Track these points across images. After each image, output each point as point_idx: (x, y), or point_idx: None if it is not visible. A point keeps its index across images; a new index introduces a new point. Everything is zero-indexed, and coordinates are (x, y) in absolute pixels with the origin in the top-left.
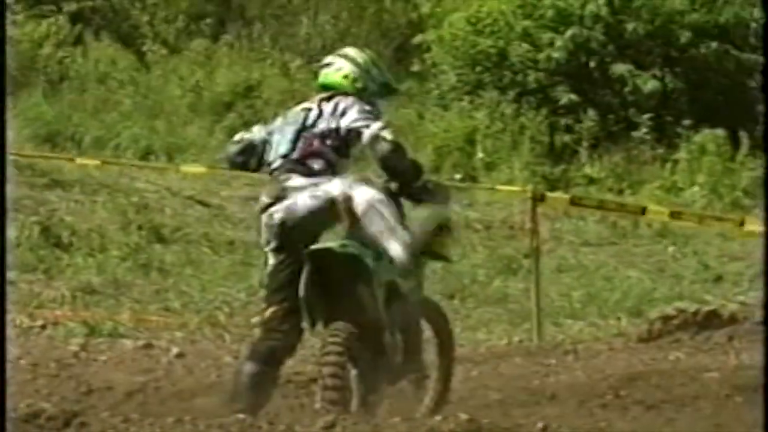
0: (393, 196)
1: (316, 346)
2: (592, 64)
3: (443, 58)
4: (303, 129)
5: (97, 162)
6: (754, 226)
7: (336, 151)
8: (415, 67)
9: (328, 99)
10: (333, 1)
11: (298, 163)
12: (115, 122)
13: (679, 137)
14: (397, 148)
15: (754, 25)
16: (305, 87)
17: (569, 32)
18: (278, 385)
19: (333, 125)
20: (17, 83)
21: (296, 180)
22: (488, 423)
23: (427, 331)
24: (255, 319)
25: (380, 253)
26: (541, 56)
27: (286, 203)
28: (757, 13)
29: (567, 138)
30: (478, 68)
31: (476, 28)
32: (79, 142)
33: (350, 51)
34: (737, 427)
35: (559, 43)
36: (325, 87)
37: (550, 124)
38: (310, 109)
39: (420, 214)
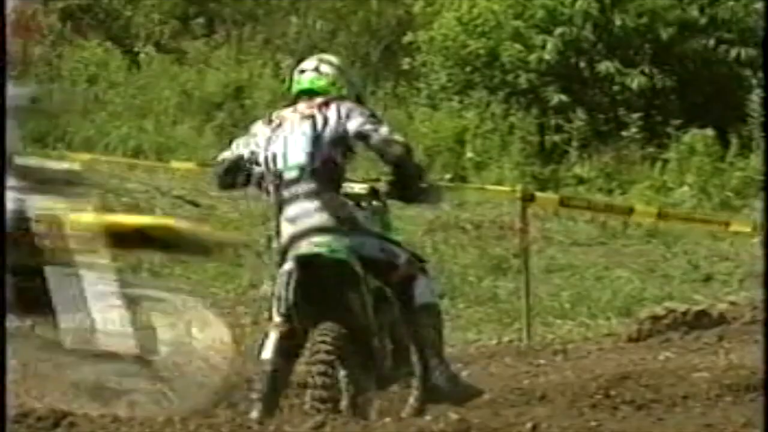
0: (381, 198)
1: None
2: (581, 64)
3: (433, 58)
4: (315, 138)
5: (86, 157)
6: (740, 227)
7: (343, 155)
8: (405, 67)
9: (326, 104)
10: (322, 1)
11: (317, 173)
12: (104, 122)
13: (669, 137)
14: (409, 150)
15: (747, 18)
16: None
17: (558, 30)
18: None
19: (340, 130)
20: None
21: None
22: (478, 423)
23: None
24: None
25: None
26: (532, 57)
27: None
28: (752, 7)
29: (557, 138)
30: (468, 68)
31: (467, 29)
32: (69, 142)
33: (330, 57)
34: (727, 427)
35: (549, 44)
36: (308, 92)
37: (539, 124)
38: (312, 116)
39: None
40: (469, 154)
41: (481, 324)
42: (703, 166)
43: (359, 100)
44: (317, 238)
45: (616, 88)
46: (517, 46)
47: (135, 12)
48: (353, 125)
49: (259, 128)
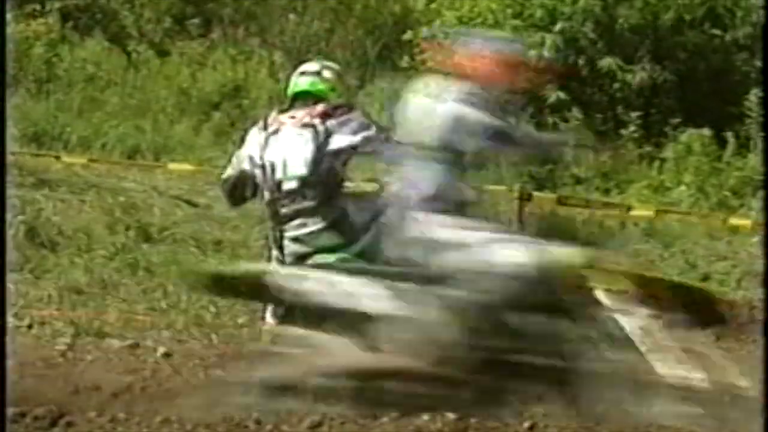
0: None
1: None
2: (580, 62)
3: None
4: (317, 149)
5: (83, 160)
6: (739, 220)
7: (344, 165)
8: (404, 65)
9: (327, 113)
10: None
11: (317, 185)
12: (101, 122)
13: (666, 136)
14: None
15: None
16: None
17: (558, 26)
18: None
19: (346, 143)
20: None
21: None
22: (476, 422)
23: None
24: None
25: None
26: (531, 54)
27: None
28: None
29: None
30: None
31: (466, 27)
32: (66, 141)
33: (332, 64)
34: (724, 428)
35: (549, 41)
36: (306, 94)
37: (537, 123)
38: (313, 126)
39: None
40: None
41: None
42: (700, 165)
43: (351, 104)
44: (324, 257)
45: (615, 85)
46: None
47: (132, 12)
48: (363, 142)
49: (254, 135)
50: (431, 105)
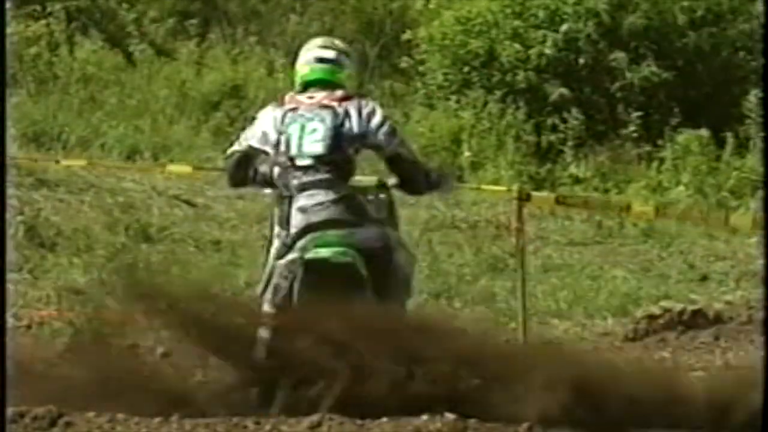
0: (388, 191)
1: None
2: (581, 60)
3: (431, 57)
4: (334, 130)
5: (83, 162)
6: (739, 220)
7: (356, 152)
8: (402, 65)
9: (346, 99)
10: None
11: (331, 165)
12: (100, 122)
13: (664, 137)
14: (415, 168)
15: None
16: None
17: (564, 27)
18: None
19: (361, 129)
20: None
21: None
22: (474, 422)
23: None
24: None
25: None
26: (533, 52)
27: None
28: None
29: (553, 138)
30: (466, 68)
31: (465, 28)
32: (65, 141)
33: (342, 45)
34: (724, 427)
35: (550, 40)
36: (325, 82)
37: (536, 123)
38: (332, 108)
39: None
40: (466, 154)
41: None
42: (699, 165)
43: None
44: (328, 232)
45: (616, 85)
46: (516, 45)
47: (131, 12)
48: (374, 129)
49: (268, 112)
50: None
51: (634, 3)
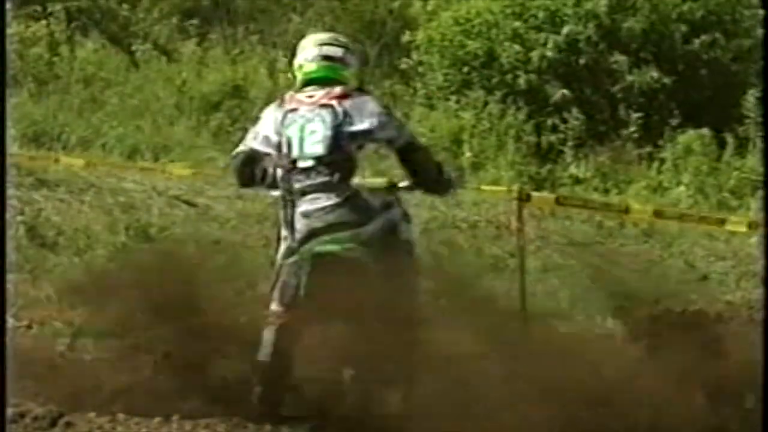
0: (396, 192)
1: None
2: (581, 61)
3: (431, 57)
4: (335, 129)
5: (82, 162)
6: (736, 226)
7: (358, 149)
8: (402, 66)
9: (345, 96)
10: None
11: (333, 165)
12: (101, 122)
13: (664, 137)
14: (428, 153)
15: (746, 13)
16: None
17: (565, 29)
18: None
19: (363, 126)
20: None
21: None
22: (475, 422)
23: None
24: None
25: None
26: (534, 54)
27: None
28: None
29: (553, 138)
30: (466, 68)
31: (464, 29)
32: (65, 142)
33: (345, 40)
34: (725, 428)
35: (551, 43)
36: (327, 80)
37: (536, 124)
38: (331, 106)
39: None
40: (466, 154)
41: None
42: (699, 166)
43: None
44: (334, 235)
45: (616, 87)
46: (516, 46)
47: (132, 11)
48: (377, 125)
49: (271, 112)
50: None
51: (634, 6)
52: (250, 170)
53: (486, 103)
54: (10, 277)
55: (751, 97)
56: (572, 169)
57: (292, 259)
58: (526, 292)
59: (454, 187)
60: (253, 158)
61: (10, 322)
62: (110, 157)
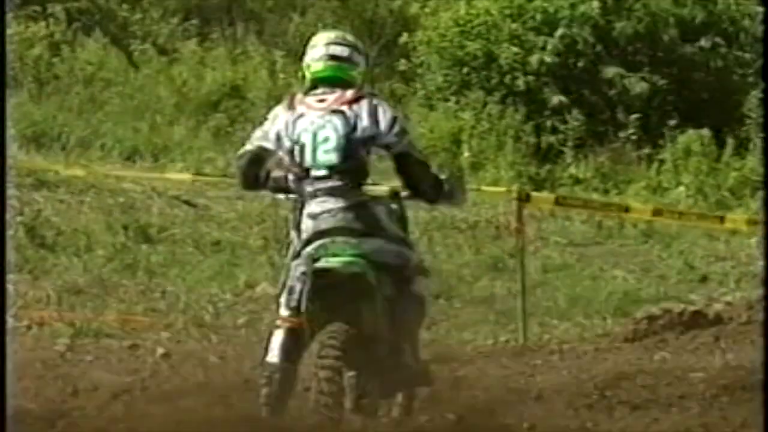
0: (399, 200)
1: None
2: (580, 64)
3: (430, 58)
4: (347, 137)
5: (82, 173)
6: (735, 223)
7: (369, 154)
8: (402, 67)
9: (356, 100)
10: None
11: (346, 173)
12: (100, 122)
13: (664, 138)
14: (424, 168)
15: (746, 22)
16: (295, 86)
17: (559, 32)
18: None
19: (373, 132)
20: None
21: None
22: (474, 423)
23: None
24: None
25: (382, 265)
26: (533, 59)
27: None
28: (750, 7)
29: (552, 139)
30: (465, 69)
31: (463, 30)
32: (65, 142)
33: (354, 39)
34: (724, 427)
35: (549, 45)
36: (334, 80)
37: (536, 124)
38: (342, 112)
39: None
40: (465, 155)
41: (477, 324)
42: (699, 166)
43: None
44: (336, 245)
45: (614, 90)
46: (515, 48)
47: (132, 13)
48: (384, 129)
49: (281, 113)
50: None
51: (629, 9)
52: (255, 172)
53: (485, 104)
54: (10, 278)
55: (753, 98)
56: (572, 170)
57: (297, 263)
58: (526, 292)
59: (455, 202)
60: (259, 158)
61: (10, 322)
62: (110, 158)
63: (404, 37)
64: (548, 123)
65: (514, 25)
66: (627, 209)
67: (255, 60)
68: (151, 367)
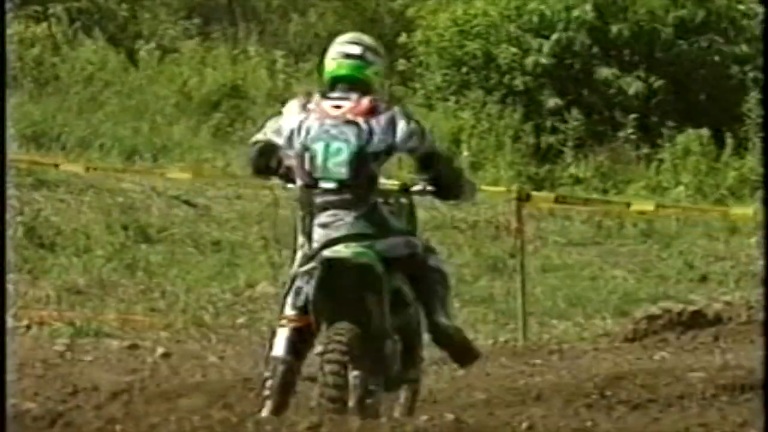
0: (409, 195)
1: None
2: (576, 66)
3: (429, 58)
4: (359, 150)
5: (81, 169)
6: (740, 213)
7: (381, 165)
8: (401, 67)
9: (371, 111)
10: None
11: (356, 187)
12: (100, 122)
13: (663, 138)
14: (450, 161)
15: (744, 21)
16: (294, 86)
17: (554, 36)
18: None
19: (387, 144)
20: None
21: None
22: (474, 423)
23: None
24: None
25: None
26: (528, 61)
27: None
28: (750, 7)
29: (552, 139)
30: (464, 69)
31: (462, 30)
32: (64, 142)
33: (370, 41)
34: (723, 427)
35: (546, 48)
36: (348, 79)
37: (535, 124)
38: (356, 124)
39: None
40: (465, 154)
41: (477, 324)
42: (698, 165)
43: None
44: (351, 244)
45: (612, 91)
46: (513, 49)
47: (132, 12)
48: (401, 139)
49: (294, 112)
50: None
51: (625, 11)
52: (266, 160)
53: (484, 104)
54: (9, 277)
55: (752, 97)
56: (572, 170)
57: (307, 267)
58: (525, 291)
59: (471, 195)
60: (269, 149)
61: (9, 322)
62: (109, 158)
63: (403, 37)
64: (548, 123)
65: (512, 27)
66: (628, 205)
67: (255, 60)
68: (151, 367)
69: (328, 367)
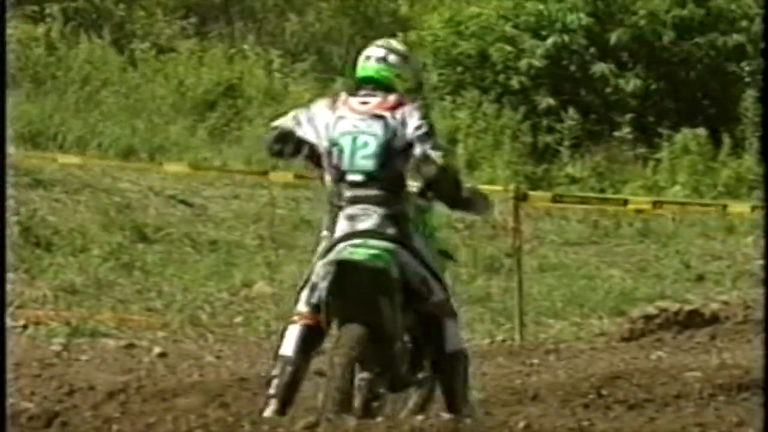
0: (428, 197)
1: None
2: (572, 66)
3: (425, 58)
4: (386, 144)
5: (78, 161)
6: (738, 207)
7: (406, 161)
8: None
9: (397, 106)
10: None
11: (383, 181)
12: (97, 122)
13: (660, 137)
14: (444, 173)
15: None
16: (291, 85)
17: (550, 40)
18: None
19: (408, 138)
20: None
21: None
22: (470, 422)
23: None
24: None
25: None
26: (521, 63)
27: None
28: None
29: (549, 138)
30: (460, 69)
31: (457, 30)
32: (62, 141)
33: (398, 45)
34: (720, 426)
35: (540, 51)
36: (372, 80)
37: (532, 124)
38: (383, 118)
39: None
40: (461, 153)
41: (474, 323)
42: (695, 165)
43: (420, 86)
44: (370, 242)
45: (608, 90)
46: (508, 48)
47: (128, 11)
48: (410, 133)
49: (321, 111)
50: None
51: (619, 16)
52: (281, 146)
53: (480, 103)
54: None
55: (749, 96)
56: (569, 169)
57: (322, 262)
58: (522, 291)
59: (485, 209)
60: (286, 136)
61: (7, 322)
62: (106, 157)
63: (399, 37)
64: (544, 122)
65: (507, 27)
66: (626, 202)
67: (252, 59)
68: (147, 367)
69: (336, 369)
